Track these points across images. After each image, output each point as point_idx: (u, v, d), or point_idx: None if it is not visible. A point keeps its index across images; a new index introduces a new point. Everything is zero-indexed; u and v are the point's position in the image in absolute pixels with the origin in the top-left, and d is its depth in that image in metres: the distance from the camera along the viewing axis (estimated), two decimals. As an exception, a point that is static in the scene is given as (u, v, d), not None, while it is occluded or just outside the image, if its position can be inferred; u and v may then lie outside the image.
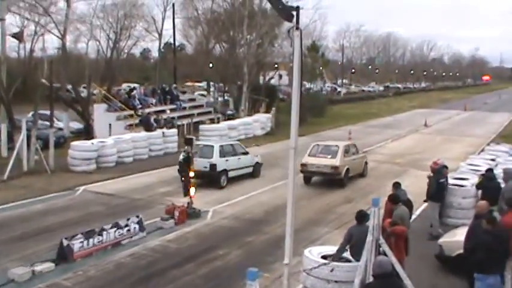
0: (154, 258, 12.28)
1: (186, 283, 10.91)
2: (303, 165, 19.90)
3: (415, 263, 10.99)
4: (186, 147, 16.29)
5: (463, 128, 41.89)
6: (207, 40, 45.19)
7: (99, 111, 29.74)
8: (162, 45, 51.00)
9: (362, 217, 9.44)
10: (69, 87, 33.93)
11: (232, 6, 40.87)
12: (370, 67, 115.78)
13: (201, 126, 31.36)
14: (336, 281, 9.16)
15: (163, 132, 26.95)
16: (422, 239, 13.10)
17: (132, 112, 30.39)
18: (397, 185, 12.21)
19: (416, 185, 17.62)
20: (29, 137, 20.77)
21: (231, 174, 20.05)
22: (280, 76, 63.48)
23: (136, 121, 29.07)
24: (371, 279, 7.31)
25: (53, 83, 25.31)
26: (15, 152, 20.44)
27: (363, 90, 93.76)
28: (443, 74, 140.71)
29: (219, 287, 10.81)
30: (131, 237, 13.34)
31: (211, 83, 49.20)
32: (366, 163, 22.33)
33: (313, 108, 43.03)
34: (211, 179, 19.35)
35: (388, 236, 9.39)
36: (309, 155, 20.28)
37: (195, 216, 15.52)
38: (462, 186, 14.84)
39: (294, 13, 7.57)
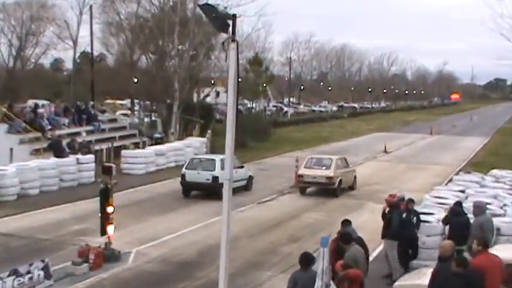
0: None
1: None
2: (299, 176, 25.56)
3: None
4: (104, 177, 16.06)
5: (429, 154, 43.10)
6: (131, 50, 45.08)
7: (-3, 132, 28.99)
8: (78, 54, 50.55)
9: (307, 260, 9.49)
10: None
11: (161, 11, 40.93)
12: (321, 84, 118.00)
13: (124, 152, 31.03)
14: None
15: (77, 159, 26.56)
16: (380, 284, 13.31)
17: (39, 134, 29.75)
18: (346, 223, 12.41)
19: (373, 221, 17.96)
20: None
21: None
22: (218, 93, 63.82)
23: (45, 145, 28.49)
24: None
25: None
26: None
27: (314, 111, 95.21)
28: (406, 92, 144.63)
29: None
30: (34, 286, 12.95)
31: (136, 101, 48.92)
32: (355, 177, 27.47)
33: (255, 131, 43.19)
34: (213, 191, 22.86)
35: (340, 281, 9.50)
36: (305, 167, 25.81)
37: (114, 259, 15.24)
38: (427, 222, 15.15)
39: (230, 22, 7.65)
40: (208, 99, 51.96)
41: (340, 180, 25.53)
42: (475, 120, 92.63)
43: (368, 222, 17.60)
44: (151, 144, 35.07)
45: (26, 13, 41.67)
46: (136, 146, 34.42)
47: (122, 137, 35.66)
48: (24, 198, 22.64)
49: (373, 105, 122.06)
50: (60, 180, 25.39)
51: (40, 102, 40.34)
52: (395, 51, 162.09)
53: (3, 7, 40.92)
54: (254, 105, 64.40)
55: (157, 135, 37.98)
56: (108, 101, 56.13)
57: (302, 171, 25.75)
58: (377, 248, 15.72)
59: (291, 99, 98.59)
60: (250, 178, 26.44)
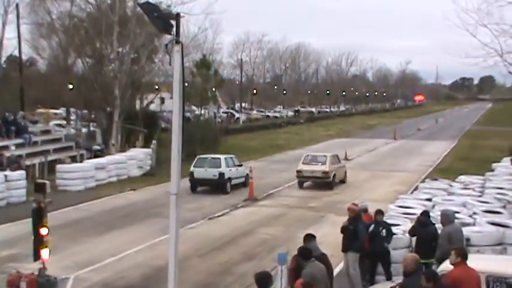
0: None
1: None
2: (298, 171, 31.14)
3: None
4: (37, 195, 15.74)
5: (392, 160, 43.81)
6: (65, 54, 44.54)
7: None
8: (4, 59, 49.55)
9: (264, 280, 9.47)
10: None
11: (98, 9, 40.56)
12: (275, 87, 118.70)
13: (59, 167, 30.62)
14: None
15: (5, 176, 26.11)
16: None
17: (-38, 149, 29.12)
18: (309, 238, 12.30)
19: (334, 234, 17.99)
20: None
21: (233, 182, 29.92)
22: (163, 100, 63.63)
23: (-32, 161, 27.91)
24: None
25: None
26: None
27: (268, 116, 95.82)
28: (367, 94, 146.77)
29: None
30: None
31: (72, 110, 48.30)
32: (345, 172, 33.31)
33: (205, 140, 43.22)
34: (219, 186, 29.22)
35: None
36: (303, 163, 31.52)
37: (49, 286, 14.95)
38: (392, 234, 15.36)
39: (174, 22, 7.63)
40: (152, 107, 51.68)
41: (334, 175, 31.27)
42: (441, 122, 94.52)
43: (328, 236, 17.71)
44: (90, 157, 34.72)
45: None
46: (73, 159, 33.96)
47: (56, 150, 35.12)
48: None
49: (332, 109, 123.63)
50: (-14, 200, 24.91)
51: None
52: (354, 51, 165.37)
53: None
54: (203, 112, 64.30)
55: (96, 147, 37.64)
56: (40, 110, 55.31)
57: (300, 167, 31.41)
58: (339, 263, 15.82)
59: (243, 105, 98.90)
60: (248, 176, 30.44)
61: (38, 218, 15.41)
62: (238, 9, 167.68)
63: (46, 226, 15.44)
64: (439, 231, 13.62)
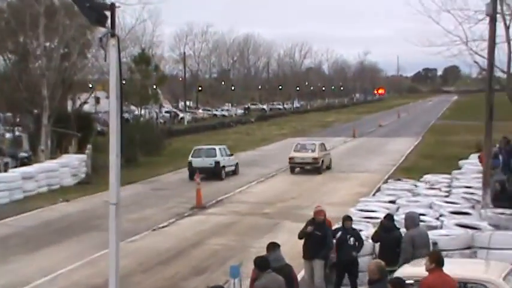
0: None
1: None
2: (290, 158, 38.41)
3: None
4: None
5: (352, 160, 44.28)
6: (-17, 49, 43.69)
7: None
8: None
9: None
10: None
11: (21, -1, 40.03)
12: (223, 83, 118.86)
13: (-20, 177, 30.12)
14: None
15: None
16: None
17: None
18: (273, 247, 12.20)
19: (292, 243, 18.11)
20: None
21: (227, 169, 36.71)
22: (98, 100, 63.01)
23: None
24: None
25: None
26: None
27: (215, 115, 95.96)
28: (323, 88, 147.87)
29: None
30: None
31: (-6, 113, 47.46)
32: (330, 159, 40.45)
33: (146, 143, 43.11)
34: (215, 173, 35.45)
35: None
36: (294, 151, 38.87)
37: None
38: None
39: (108, 13, 7.57)
40: (86, 107, 51.17)
41: (322, 161, 38.31)
42: (404, 117, 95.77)
43: (285, 245, 17.63)
44: (16, 166, 34.23)
45: None
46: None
47: (-23, 159, 34.53)
48: None
49: (285, 106, 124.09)
50: None
51: None
52: (308, 41, 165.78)
53: None
54: (143, 112, 63.94)
55: (23, 154, 37.23)
56: (-43, 114, 54.24)
57: (292, 154, 38.65)
58: (299, 272, 15.93)
59: (188, 103, 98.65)
60: (237, 164, 38.67)
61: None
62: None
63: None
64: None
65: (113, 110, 7.66)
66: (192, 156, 36.34)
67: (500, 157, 25.22)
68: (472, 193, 22.10)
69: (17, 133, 43.75)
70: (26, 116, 42.23)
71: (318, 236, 14.58)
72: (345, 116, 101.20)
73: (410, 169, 36.80)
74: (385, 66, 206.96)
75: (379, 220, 15.79)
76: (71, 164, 34.94)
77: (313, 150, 38.33)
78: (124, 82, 47.64)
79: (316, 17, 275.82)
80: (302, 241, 15.06)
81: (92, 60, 45.07)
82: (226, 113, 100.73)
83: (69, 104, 47.94)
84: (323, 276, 14.59)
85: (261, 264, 11.09)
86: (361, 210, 19.07)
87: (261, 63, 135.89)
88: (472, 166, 29.58)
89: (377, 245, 14.88)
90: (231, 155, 38.33)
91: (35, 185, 31.54)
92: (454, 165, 32.04)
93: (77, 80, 44.89)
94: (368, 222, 17.07)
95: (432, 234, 14.47)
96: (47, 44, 39.38)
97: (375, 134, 68.07)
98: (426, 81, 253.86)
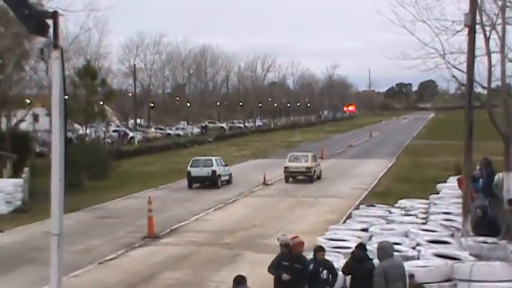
0: None
1: None
2: (286, 167, 45.29)
3: None
4: None
5: (320, 184, 44.43)
6: None
7: None
8: None
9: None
10: None
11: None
12: (178, 99, 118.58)
13: None
14: None
15: None
16: None
17: None
18: (240, 280, 12.18)
19: (254, 276, 18.09)
20: None
21: (222, 178, 43.62)
22: (36, 117, 62.30)
23: None
24: None
25: None
26: None
27: (169, 135, 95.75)
28: (288, 104, 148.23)
29: None
30: None
31: None
32: (321, 170, 47.45)
33: (92, 165, 42.79)
34: (212, 182, 42.52)
35: None
36: (288, 161, 45.83)
37: None
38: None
39: (51, 22, 7.46)
40: (23, 126, 50.56)
41: (314, 170, 45.46)
42: (376, 137, 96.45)
43: (248, 279, 17.73)
44: None
45: None
46: None
47: None
48: None
49: (247, 124, 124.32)
50: None
51: None
52: (271, 53, 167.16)
53: None
54: (88, 131, 63.45)
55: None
56: None
57: (287, 164, 45.58)
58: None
59: (138, 121, 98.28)
60: (231, 174, 45.54)
61: None
62: (129, 4, 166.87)
63: None
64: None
65: (55, 129, 7.52)
66: (190, 166, 43.21)
67: (481, 180, 25.29)
68: (451, 220, 22.26)
69: None
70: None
71: (298, 269, 14.52)
72: (312, 135, 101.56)
73: (384, 194, 36.90)
74: (356, 80, 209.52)
75: (350, 250, 15.77)
76: (4, 190, 34.43)
77: (306, 161, 45.64)
78: (67, 98, 47.29)
79: (280, 27, 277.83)
80: (268, 274, 15.01)
81: (30, 72, 44.75)
82: (181, 132, 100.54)
83: (3, 121, 47.38)
84: None
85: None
86: (331, 240, 19.09)
87: (220, 77, 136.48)
88: (451, 190, 29.83)
89: (348, 277, 14.87)
90: (226, 165, 45.32)
91: (-35, 214, 31.11)
92: (432, 189, 32.27)
93: (13, 95, 44.46)
94: (338, 252, 17.07)
95: (408, 266, 14.52)
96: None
97: (345, 155, 68.38)
98: (400, 97, 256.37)
